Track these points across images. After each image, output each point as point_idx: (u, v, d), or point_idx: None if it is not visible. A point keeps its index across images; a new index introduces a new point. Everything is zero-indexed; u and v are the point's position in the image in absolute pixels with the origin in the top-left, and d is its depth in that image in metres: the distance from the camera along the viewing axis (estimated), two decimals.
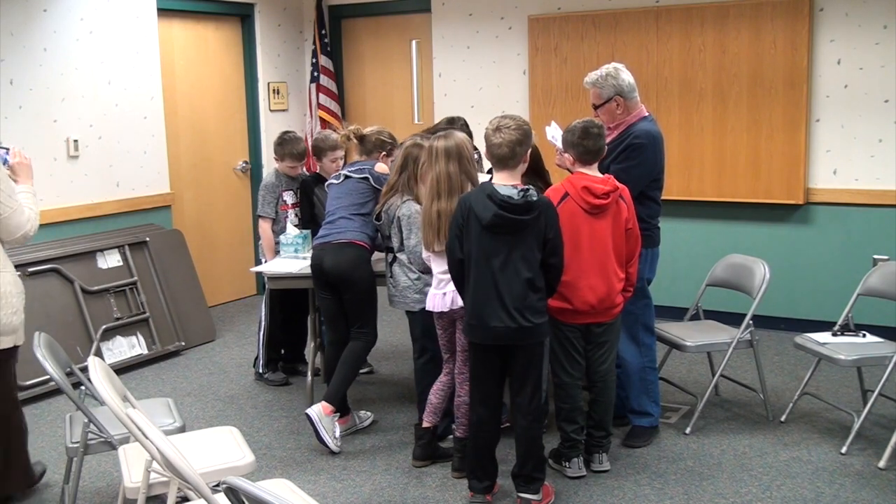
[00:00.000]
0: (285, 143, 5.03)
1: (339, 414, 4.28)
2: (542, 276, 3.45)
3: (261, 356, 5.31)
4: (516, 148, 3.40)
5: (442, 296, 3.83)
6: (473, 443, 3.64)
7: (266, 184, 5.08)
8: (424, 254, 3.87)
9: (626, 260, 3.80)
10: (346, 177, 4.38)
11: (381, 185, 4.27)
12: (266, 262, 4.95)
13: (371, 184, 4.32)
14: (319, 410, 4.18)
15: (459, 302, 3.72)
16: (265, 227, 5.03)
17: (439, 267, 3.79)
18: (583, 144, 3.70)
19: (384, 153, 4.44)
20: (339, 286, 4.27)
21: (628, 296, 3.87)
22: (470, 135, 4.80)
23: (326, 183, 4.56)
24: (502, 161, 3.43)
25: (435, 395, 3.99)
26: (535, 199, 3.35)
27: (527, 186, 3.40)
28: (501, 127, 3.40)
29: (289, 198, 5.06)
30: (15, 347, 3.62)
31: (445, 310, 3.82)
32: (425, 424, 4.03)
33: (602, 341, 3.83)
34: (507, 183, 3.41)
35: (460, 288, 3.56)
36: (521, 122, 3.45)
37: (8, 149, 3.68)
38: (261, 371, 5.31)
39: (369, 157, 4.44)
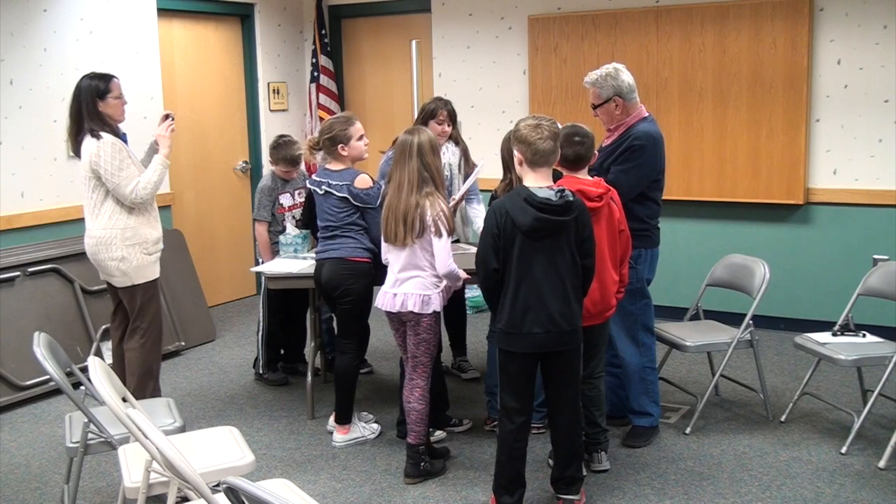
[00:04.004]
0: (280, 148, 5.02)
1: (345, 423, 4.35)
2: (580, 279, 3.41)
3: (260, 357, 5.31)
4: (556, 143, 3.37)
5: (393, 296, 3.83)
6: (508, 455, 3.45)
7: (262, 187, 5.07)
8: (386, 248, 3.88)
9: (620, 261, 3.80)
10: (328, 191, 4.19)
11: (361, 202, 4.13)
12: (263, 263, 4.95)
13: (352, 202, 4.15)
14: (341, 437, 4.30)
15: (409, 306, 3.76)
16: (261, 230, 5.02)
17: (397, 263, 3.82)
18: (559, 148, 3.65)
19: (342, 144, 4.19)
20: (332, 296, 4.25)
21: (620, 297, 3.87)
22: (454, 111, 4.86)
23: (310, 182, 4.36)
24: (545, 157, 3.33)
25: (418, 402, 3.92)
26: (571, 199, 3.30)
27: (561, 187, 3.34)
28: (542, 123, 3.34)
29: (285, 200, 5.05)
30: (137, 285, 4.30)
31: (394, 311, 3.83)
32: (412, 442, 3.96)
33: (594, 343, 3.81)
34: (540, 185, 3.34)
35: (492, 299, 3.46)
36: (553, 120, 3.43)
37: (169, 114, 4.40)
38: (261, 371, 5.31)
39: (337, 157, 4.22)
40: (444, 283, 3.86)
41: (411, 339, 3.86)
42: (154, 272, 4.38)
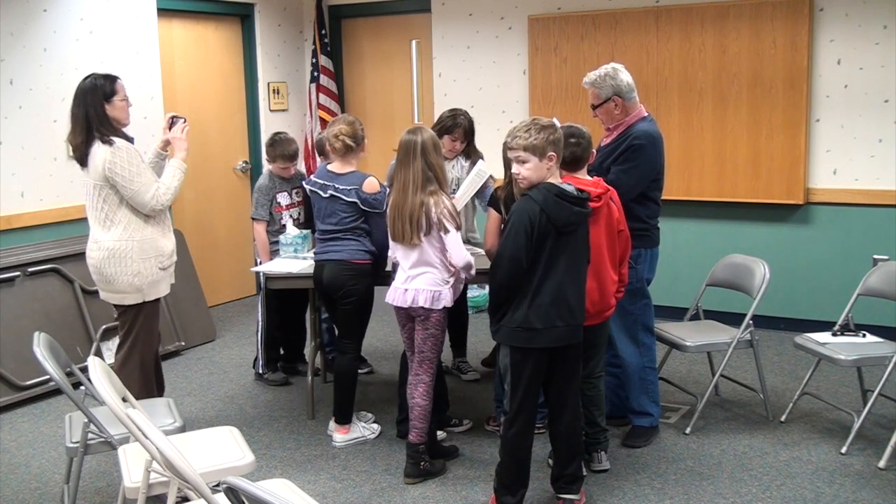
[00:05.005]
0: (276, 145, 5.01)
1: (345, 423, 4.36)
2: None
3: (260, 357, 5.31)
4: None
5: (404, 291, 3.85)
6: (513, 456, 3.47)
7: (259, 186, 5.06)
8: (394, 247, 3.89)
9: (619, 261, 3.80)
10: (334, 196, 4.16)
11: (370, 207, 4.11)
12: (261, 263, 4.94)
13: (359, 206, 4.12)
14: (341, 437, 4.31)
15: (420, 301, 3.78)
16: (259, 229, 5.01)
17: (407, 261, 3.84)
18: None
19: (362, 143, 4.24)
20: (334, 297, 4.25)
21: (620, 297, 3.87)
22: (473, 128, 4.86)
23: (308, 184, 4.33)
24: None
25: (422, 399, 3.93)
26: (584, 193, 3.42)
27: (569, 183, 3.42)
28: (556, 123, 3.42)
29: (282, 199, 5.04)
30: (145, 303, 4.06)
31: (405, 306, 3.85)
32: (413, 441, 3.96)
33: (594, 343, 3.80)
34: (560, 181, 3.40)
35: (509, 300, 3.39)
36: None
37: (176, 118, 4.16)
38: (260, 371, 5.31)
39: (355, 157, 4.21)
40: (454, 279, 3.87)
41: (419, 334, 3.89)
42: (165, 289, 4.14)
